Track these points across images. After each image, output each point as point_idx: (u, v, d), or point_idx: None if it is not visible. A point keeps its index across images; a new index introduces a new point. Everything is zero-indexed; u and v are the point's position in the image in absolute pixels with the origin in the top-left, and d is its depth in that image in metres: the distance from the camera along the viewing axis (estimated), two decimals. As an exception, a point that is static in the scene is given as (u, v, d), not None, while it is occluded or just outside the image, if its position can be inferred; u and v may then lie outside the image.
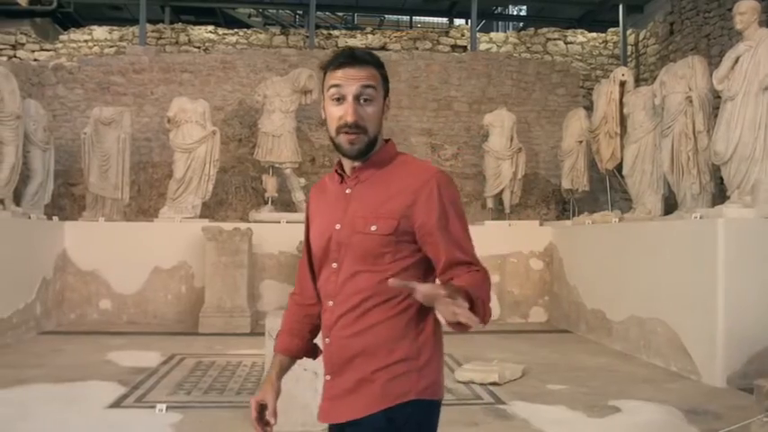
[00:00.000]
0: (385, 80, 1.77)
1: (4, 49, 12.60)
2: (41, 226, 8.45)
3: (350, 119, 1.68)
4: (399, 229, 1.68)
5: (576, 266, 8.75)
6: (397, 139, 11.17)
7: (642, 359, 6.82)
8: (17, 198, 8.44)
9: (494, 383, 5.52)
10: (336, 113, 1.70)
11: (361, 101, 1.70)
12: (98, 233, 8.93)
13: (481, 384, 5.52)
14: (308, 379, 4.02)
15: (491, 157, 10.19)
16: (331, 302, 1.74)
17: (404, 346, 1.70)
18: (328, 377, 1.76)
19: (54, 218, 9.05)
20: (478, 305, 1.52)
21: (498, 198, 10.35)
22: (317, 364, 4.00)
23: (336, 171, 1.82)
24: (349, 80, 1.69)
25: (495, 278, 9.37)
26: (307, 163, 10.78)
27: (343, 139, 1.71)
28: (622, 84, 8.48)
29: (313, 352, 1.97)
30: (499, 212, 10.39)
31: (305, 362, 4.08)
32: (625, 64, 12.61)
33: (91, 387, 5.39)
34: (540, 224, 10.11)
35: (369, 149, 1.74)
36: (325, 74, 1.75)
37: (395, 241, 1.69)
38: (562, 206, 11.42)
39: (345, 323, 1.71)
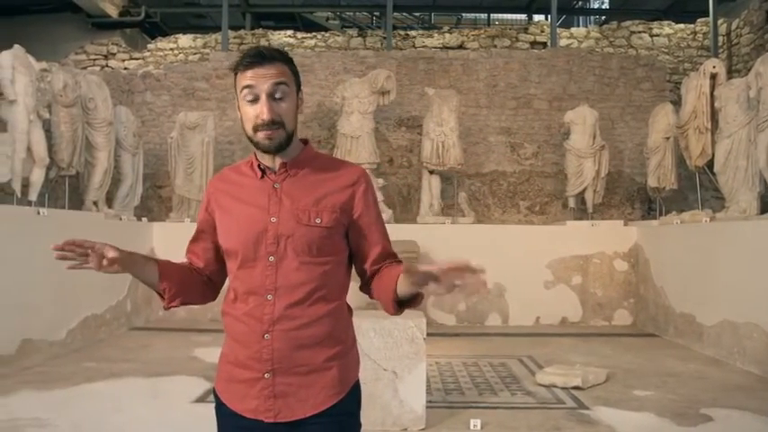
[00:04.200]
0: (296, 75, 1.76)
1: (98, 59, 13.30)
2: (132, 227, 8.83)
3: (266, 117, 1.67)
4: (339, 222, 1.75)
5: (664, 268, 8.40)
6: (475, 138, 11.07)
7: (736, 366, 6.47)
8: (109, 200, 8.88)
9: (576, 388, 5.36)
10: (252, 113, 1.70)
11: (275, 98, 1.69)
12: (184, 234, 9.10)
13: (563, 388, 5.36)
14: (387, 378, 4.02)
15: (573, 156, 9.93)
16: (270, 296, 1.70)
17: (344, 334, 1.80)
18: (267, 375, 1.69)
19: (143, 219, 9.43)
20: None
21: (580, 197, 10.07)
22: (397, 364, 3.99)
23: (259, 166, 1.78)
24: (260, 79, 1.68)
25: (577, 279, 9.16)
26: (385, 163, 10.80)
27: (261, 137, 1.70)
28: (713, 76, 8.07)
29: (179, 294, 1.95)
30: (581, 212, 10.11)
31: (384, 362, 4.03)
32: (716, 55, 12.02)
33: (178, 382, 5.58)
34: (625, 224, 9.79)
35: (287, 144, 1.74)
36: (235, 75, 1.73)
37: (333, 233, 1.74)
38: (648, 205, 11.02)
39: (293, 315, 1.69)
